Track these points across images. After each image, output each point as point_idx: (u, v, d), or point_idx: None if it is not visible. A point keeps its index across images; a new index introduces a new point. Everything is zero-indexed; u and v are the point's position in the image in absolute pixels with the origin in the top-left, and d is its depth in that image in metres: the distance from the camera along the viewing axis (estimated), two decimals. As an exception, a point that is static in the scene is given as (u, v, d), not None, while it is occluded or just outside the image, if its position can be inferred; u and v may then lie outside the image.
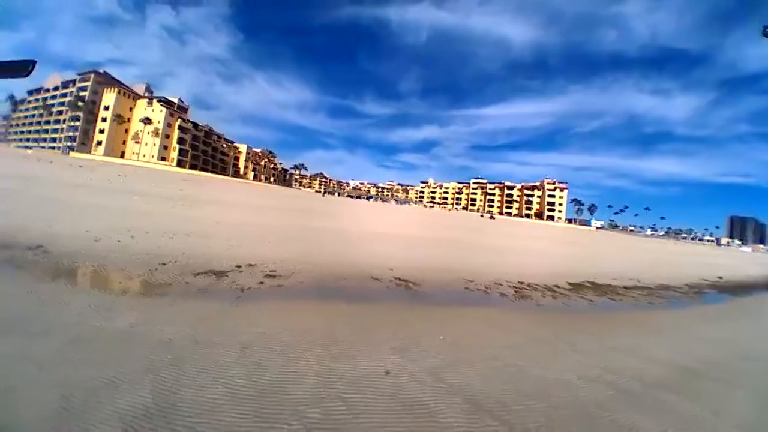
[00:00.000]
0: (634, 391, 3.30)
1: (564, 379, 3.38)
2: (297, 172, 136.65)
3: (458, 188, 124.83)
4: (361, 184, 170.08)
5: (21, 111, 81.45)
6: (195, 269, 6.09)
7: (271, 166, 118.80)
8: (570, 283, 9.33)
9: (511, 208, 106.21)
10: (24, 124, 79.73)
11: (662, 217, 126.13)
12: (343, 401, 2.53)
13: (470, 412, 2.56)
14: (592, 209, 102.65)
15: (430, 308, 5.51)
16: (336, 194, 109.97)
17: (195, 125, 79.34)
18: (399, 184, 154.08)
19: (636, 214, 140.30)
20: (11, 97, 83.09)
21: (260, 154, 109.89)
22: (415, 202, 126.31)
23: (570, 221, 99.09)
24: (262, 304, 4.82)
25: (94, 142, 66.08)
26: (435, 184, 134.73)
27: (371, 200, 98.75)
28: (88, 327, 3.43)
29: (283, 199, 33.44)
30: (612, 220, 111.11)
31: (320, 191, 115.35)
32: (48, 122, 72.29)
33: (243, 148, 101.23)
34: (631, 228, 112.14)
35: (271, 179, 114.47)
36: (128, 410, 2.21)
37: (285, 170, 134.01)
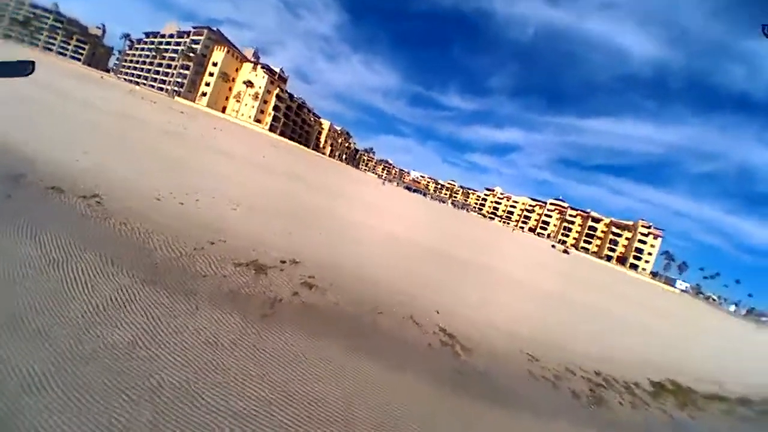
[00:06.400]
0: None
1: None
2: (366, 154, 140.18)
3: (530, 205, 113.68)
4: (422, 176, 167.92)
5: (136, 50, 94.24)
6: (238, 256, 5.65)
7: (346, 144, 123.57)
8: (651, 382, 7.67)
9: (590, 243, 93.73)
10: (137, 62, 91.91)
11: (750, 295, 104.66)
12: None
13: None
14: (682, 267, 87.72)
15: (476, 404, 4.13)
16: (396, 183, 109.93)
17: (291, 96, 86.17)
18: (461, 186, 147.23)
19: (725, 285, 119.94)
20: (127, 35, 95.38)
21: (339, 132, 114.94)
22: (473, 210, 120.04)
23: (654, 275, 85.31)
24: (286, 332, 4.06)
25: (200, 92, 75.03)
26: (502, 194, 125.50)
27: (426, 197, 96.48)
28: (91, 337, 2.94)
29: (351, 185, 33.84)
30: (698, 285, 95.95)
31: (381, 177, 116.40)
32: (160, 65, 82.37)
33: (326, 124, 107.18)
34: (714, 298, 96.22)
35: (344, 157, 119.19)
36: None
37: (356, 150, 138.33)
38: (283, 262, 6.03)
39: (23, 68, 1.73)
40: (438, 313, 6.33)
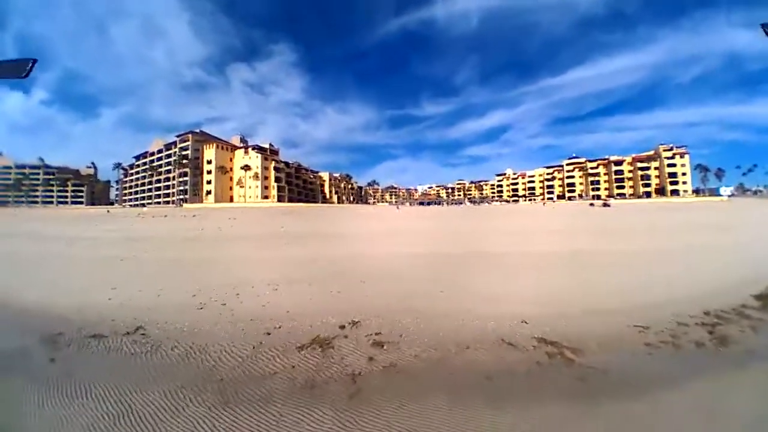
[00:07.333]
0: None
1: None
2: (371, 188, 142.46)
3: (548, 174, 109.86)
4: (429, 188, 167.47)
5: (131, 175, 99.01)
6: (299, 339, 5.28)
7: (350, 187, 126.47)
8: (755, 296, 6.86)
9: (623, 187, 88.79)
10: (136, 186, 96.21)
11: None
12: None
13: None
14: (719, 174, 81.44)
15: (614, 407, 3.36)
16: (408, 204, 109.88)
17: (286, 164, 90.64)
18: (471, 182, 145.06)
19: (767, 172, 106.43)
20: (119, 165, 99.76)
21: (339, 178, 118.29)
22: (494, 200, 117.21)
23: (697, 192, 79.35)
24: (383, 407, 3.56)
25: (204, 191, 79.41)
26: (515, 174, 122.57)
27: (442, 205, 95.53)
28: None
29: (368, 221, 33.82)
30: (741, 184, 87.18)
31: (392, 203, 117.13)
32: (159, 181, 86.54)
33: (326, 175, 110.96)
34: (761, 190, 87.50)
35: (351, 199, 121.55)
36: None
37: (361, 188, 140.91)
38: (342, 327, 5.61)
39: (22, 67, 1.71)
40: (526, 323, 5.62)
